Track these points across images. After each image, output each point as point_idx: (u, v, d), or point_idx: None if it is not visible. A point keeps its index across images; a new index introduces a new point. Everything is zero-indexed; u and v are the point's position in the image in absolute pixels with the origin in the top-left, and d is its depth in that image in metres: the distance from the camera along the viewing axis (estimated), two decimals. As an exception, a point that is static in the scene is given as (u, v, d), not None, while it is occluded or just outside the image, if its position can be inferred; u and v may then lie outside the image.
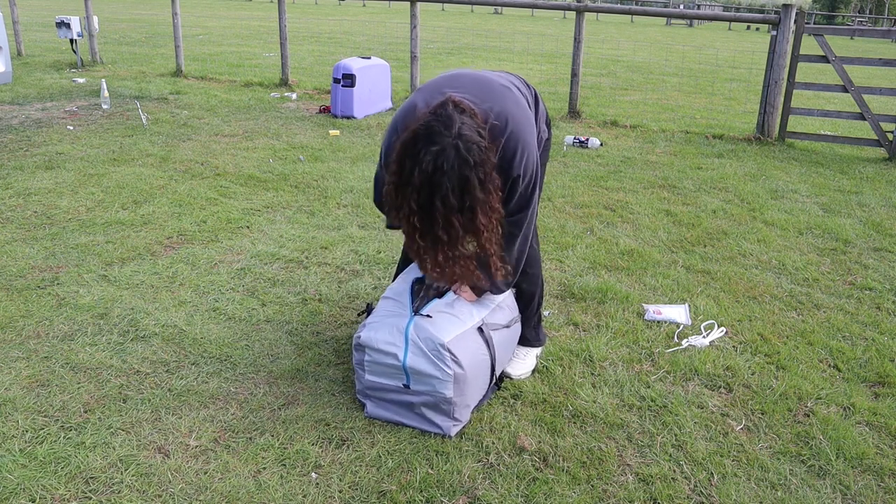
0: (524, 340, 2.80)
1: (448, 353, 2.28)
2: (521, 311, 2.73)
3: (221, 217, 4.34)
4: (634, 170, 5.90)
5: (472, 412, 2.47)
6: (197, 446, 2.28)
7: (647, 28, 33.43)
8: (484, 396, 2.53)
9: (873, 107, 7.02)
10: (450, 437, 2.35)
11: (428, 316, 2.37)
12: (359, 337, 2.40)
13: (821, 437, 2.45)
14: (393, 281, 2.73)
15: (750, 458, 2.33)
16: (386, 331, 2.37)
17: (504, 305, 2.62)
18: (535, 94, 2.57)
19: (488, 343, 2.43)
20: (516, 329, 2.68)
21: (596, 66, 14.12)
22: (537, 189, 2.34)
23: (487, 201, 2.05)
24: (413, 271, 2.66)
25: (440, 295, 2.51)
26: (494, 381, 2.55)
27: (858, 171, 6.17)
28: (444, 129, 2.00)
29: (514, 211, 2.31)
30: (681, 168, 6.02)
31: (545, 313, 3.26)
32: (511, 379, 2.70)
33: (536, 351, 2.83)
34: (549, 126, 2.64)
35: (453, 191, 1.99)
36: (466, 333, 2.37)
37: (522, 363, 2.76)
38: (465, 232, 2.07)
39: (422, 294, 2.50)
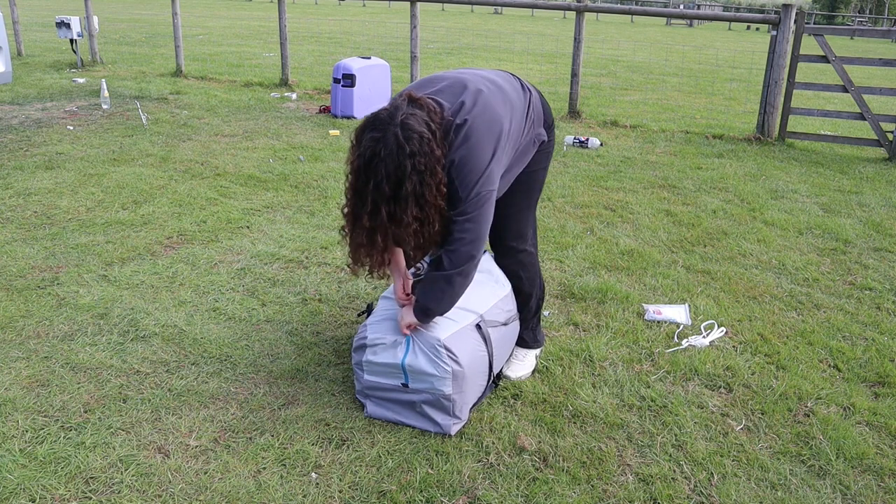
0: (522, 342, 2.80)
1: (445, 351, 2.28)
2: (518, 312, 2.73)
3: (221, 217, 4.34)
4: (634, 170, 5.90)
5: (471, 410, 2.47)
6: (197, 446, 2.28)
7: (647, 28, 33.44)
8: (482, 394, 2.53)
9: (873, 107, 7.03)
10: (450, 435, 2.36)
11: None
12: (364, 338, 2.40)
13: (821, 437, 2.45)
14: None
15: (750, 458, 2.33)
16: (387, 331, 2.38)
17: (503, 303, 2.62)
18: (530, 99, 2.47)
19: (486, 340, 2.43)
20: (514, 327, 2.68)
21: (596, 66, 14.12)
22: (483, 196, 2.18)
23: (423, 194, 2.04)
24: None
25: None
26: (492, 379, 2.55)
27: (858, 171, 6.17)
28: (388, 118, 2.03)
29: (457, 215, 2.21)
30: (681, 168, 6.03)
31: (545, 313, 3.26)
32: (510, 380, 2.70)
33: (535, 352, 2.83)
34: (549, 129, 2.56)
35: (388, 178, 2.00)
36: (464, 330, 2.38)
37: (521, 364, 2.76)
38: (390, 222, 2.06)
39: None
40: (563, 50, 16.06)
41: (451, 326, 2.35)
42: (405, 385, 2.36)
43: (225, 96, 8.53)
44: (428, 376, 2.31)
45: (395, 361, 2.34)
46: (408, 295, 2.46)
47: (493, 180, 2.21)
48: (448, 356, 2.29)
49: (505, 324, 2.58)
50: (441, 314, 2.32)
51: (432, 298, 2.27)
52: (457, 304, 2.43)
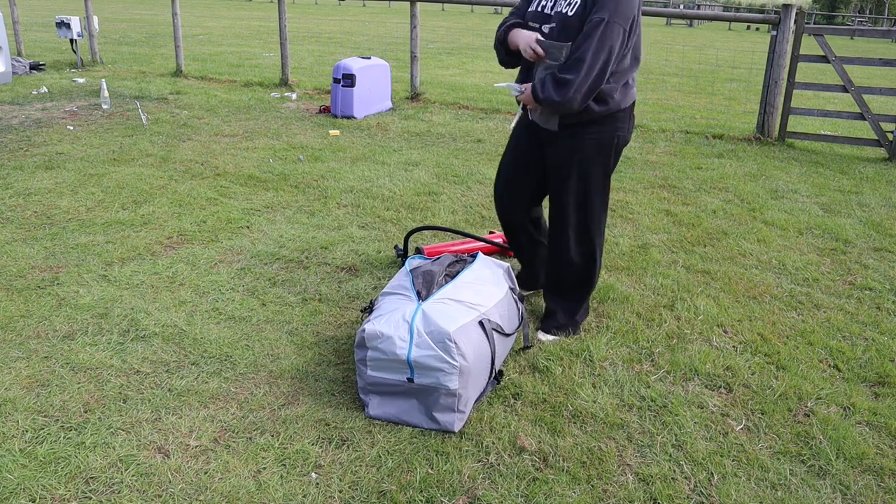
0: (562, 328, 3.04)
1: (454, 345, 2.29)
2: (570, 295, 3.04)
3: (221, 217, 4.34)
4: (634, 170, 5.90)
5: (473, 407, 2.48)
6: (197, 446, 2.28)
7: (647, 28, 33.43)
8: (483, 391, 2.53)
9: (873, 107, 7.03)
10: (453, 431, 2.36)
11: (438, 304, 2.42)
12: (363, 331, 2.40)
13: (821, 437, 2.45)
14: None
15: (750, 458, 2.33)
16: (392, 325, 2.38)
17: (508, 312, 2.66)
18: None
19: (489, 336, 2.44)
20: (513, 338, 2.77)
21: (596, 66, 14.09)
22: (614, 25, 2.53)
23: None
24: (404, 272, 2.70)
25: (452, 277, 2.60)
26: (494, 375, 2.55)
27: (858, 171, 6.17)
28: None
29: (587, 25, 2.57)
30: (681, 168, 6.03)
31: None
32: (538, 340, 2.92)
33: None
34: (627, 115, 2.85)
35: None
36: (469, 325, 2.39)
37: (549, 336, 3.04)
38: None
39: (432, 281, 2.54)
40: (563, 50, 16.03)
41: (459, 320, 2.36)
42: (410, 380, 2.36)
43: (225, 96, 8.53)
44: (434, 371, 2.31)
45: (401, 356, 2.34)
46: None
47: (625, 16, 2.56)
48: (456, 351, 2.29)
49: (507, 335, 2.62)
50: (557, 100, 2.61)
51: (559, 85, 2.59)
52: (460, 300, 2.45)
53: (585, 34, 2.55)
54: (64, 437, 2.29)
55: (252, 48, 14.29)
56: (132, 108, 7.51)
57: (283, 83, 9.45)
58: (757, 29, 39.35)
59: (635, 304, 3.39)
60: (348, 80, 7.32)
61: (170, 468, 2.18)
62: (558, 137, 2.84)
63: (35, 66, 10.08)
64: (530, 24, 2.78)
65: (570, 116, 2.74)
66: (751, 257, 4.07)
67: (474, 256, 2.82)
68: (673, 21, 40.16)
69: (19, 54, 11.32)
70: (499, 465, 2.25)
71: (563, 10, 2.66)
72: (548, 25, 2.71)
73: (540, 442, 2.36)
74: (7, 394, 2.51)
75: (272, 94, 8.82)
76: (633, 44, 2.68)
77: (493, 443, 2.35)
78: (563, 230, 2.94)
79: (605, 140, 2.80)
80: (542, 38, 2.69)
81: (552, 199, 2.96)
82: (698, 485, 2.20)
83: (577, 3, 2.62)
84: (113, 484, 2.11)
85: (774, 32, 6.95)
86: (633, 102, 2.84)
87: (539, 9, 2.77)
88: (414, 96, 8.70)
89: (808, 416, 2.57)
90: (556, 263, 3.02)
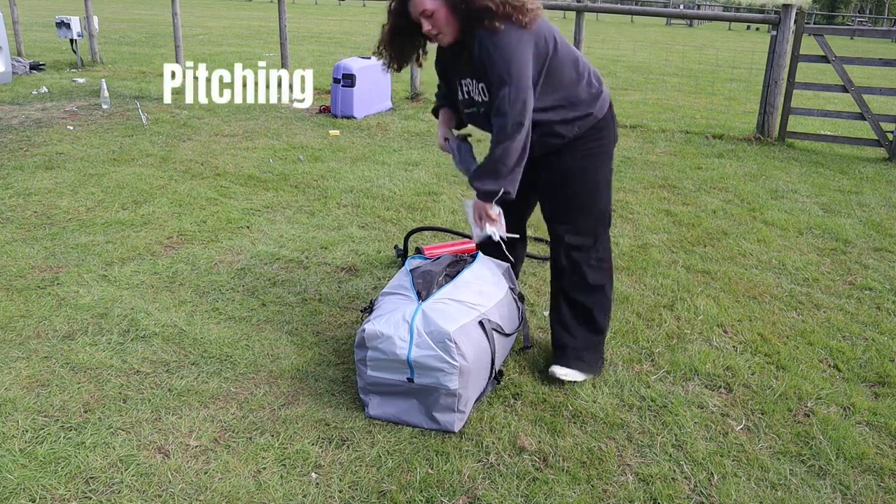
0: (580, 365, 2.71)
1: (454, 345, 2.29)
2: (580, 331, 2.73)
3: (221, 217, 4.34)
4: (634, 170, 5.90)
5: (473, 407, 2.48)
6: (197, 446, 2.28)
7: (647, 28, 33.44)
8: (483, 391, 2.53)
9: (873, 107, 7.03)
10: (453, 431, 2.36)
11: (438, 304, 2.42)
12: (363, 331, 2.40)
13: (821, 437, 2.45)
14: None
15: (750, 458, 2.33)
16: (392, 325, 2.38)
17: (508, 312, 2.66)
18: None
19: (489, 336, 2.44)
20: (513, 338, 2.76)
21: (596, 65, 13.99)
22: (518, 99, 2.38)
23: None
24: (404, 272, 2.70)
25: (452, 277, 2.59)
26: (494, 375, 2.55)
27: (858, 171, 6.17)
28: None
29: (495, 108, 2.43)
30: (681, 168, 6.03)
31: (545, 314, 3.26)
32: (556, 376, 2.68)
33: (585, 376, 2.73)
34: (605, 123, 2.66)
35: None
36: (469, 325, 2.39)
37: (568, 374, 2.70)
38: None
39: (432, 281, 2.54)
40: (563, 50, 16.02)
41: (459, 320, 2.36)
42: (410, 380, 2.36)
43: (225, 96, 8.53)
44: (434, 371, 2.31)
45: (401, 356, 2.34)
46: (446, 140, 2.81)
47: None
48: (456, 351, 2.29)
49: (507, 335, 2.62)
50: (502, 189, 2.45)
51: (488, 175, 2.46)
52: (460, 300, 2.45)
53: (498, 113, 2.40)
54: (64, 437, 2.29)
55: (252, 48, 14.29)
56: (132, 108, 7.51)
57: (283, 83, 9.44)
58: (757, 29, 39.34)
59: (635, 304, 3.39)
60: (348, 80, 7.32)
61: (170, 468, 2.18)
62: (546, 166, 2.67)
63: (35, 66, 10.09)
64: (464, 111, 2.71)
65: (548, 146, 2.63)
66: (751, 257, 4.07)
67: (474, 256, 2.82)
68: (673, 21, 40.15)
69: (19, 54, 11.30)
70: (499, 465, 2.25)
71: (481, 99, 2.55)
72: (480, 109, 2.61)
73: (540, 442, 2.36)
74: (7, 394, 2.51)
75: (272, 94, 8.82)
76: (568, 63, 2.63)
77: (493, 443, 2.35)
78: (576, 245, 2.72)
79: (594, 151, 2.65)
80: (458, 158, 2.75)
81: (553, 217, 2.75)
82: (698, 485, 2.20)
83: (481, 86, 2.51)
84: (113, 484, 2.11)
85: (774, 32, 6.96)
86: (611, 104, 2.70)
87: (466, 95, 2.65)
88: (414, 96, 8.70)
89: (808, 416, 2.57)
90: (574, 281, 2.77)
